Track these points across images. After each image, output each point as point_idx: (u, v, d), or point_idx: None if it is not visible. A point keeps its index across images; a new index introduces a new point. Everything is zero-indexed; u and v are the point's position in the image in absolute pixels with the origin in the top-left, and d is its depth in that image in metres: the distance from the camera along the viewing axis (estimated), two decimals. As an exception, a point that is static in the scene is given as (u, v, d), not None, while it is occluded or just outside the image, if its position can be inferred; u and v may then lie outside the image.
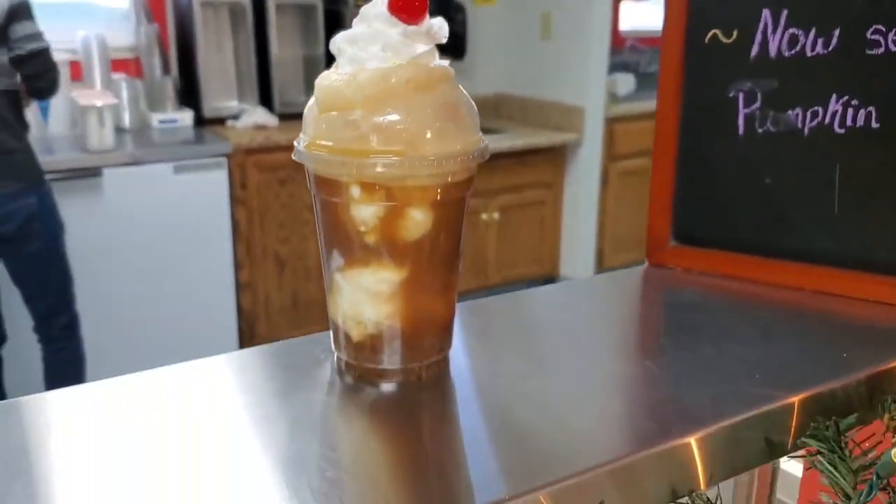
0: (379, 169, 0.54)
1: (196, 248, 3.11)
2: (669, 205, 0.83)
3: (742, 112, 0.78)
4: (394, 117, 0.54)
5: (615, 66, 4.12)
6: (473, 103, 0.59)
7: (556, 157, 4.06)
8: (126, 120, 3.32)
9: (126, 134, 3.27)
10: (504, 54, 4.33)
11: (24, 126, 2.46)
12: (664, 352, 0.66)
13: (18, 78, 2.41)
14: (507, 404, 0.57)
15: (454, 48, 4.08)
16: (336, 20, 3.63)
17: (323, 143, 0.55)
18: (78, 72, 3.33)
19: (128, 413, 0.56)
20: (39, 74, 2.44)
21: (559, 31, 4.01)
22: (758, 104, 0.77)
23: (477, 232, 3.91)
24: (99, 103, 2.96)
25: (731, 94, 0.78)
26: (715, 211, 0.81)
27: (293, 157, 0.56)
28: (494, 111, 4.41)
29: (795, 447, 0.59)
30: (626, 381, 0.61)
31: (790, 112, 0.75)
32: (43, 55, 2.42)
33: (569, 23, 3.96)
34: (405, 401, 0.59)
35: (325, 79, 0.57)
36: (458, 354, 0.64)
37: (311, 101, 0.57)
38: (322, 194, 0.57)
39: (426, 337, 0.60)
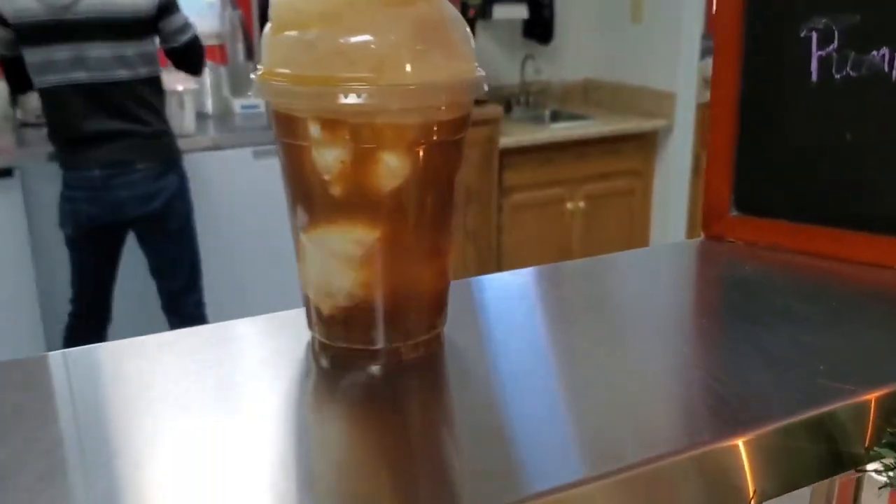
0: (341, 101, 0.44)
1: (276, 231, 3.08)
2: (730, 168, 0.70)
3: (816, 55, 0.65)
4: (361, 37, 0.44)
5: (708, 50, 3.91)
6: (465, 23, 0.49)
7: (645, 145, 3.89)
8: (208, 105, 3.33)
9: (208, 119, 3.27)
10: (593, 38, 4.18)
11: (164, 110, 2.55)
12: (710, 337, 0.54)
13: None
14: (509, 394, 0.47)
15: (541, 33, 3.96)
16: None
17: (279, 70, 0.46)
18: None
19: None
20: (193, 61, 2.60)
21: (650, 14, 3.84)
22: (835, 44, 0.64)
23: (562, 221, 3.79)
24: (180, 88, 2.96)
25: (802, 34, 0.65)
26: (783, 174, 0.69)
27: (250, 94, 0.47)
28: (583, 97, 4.27)
29: (868, 458, 0.47)
30: (660, 371, 0.50)
31: (875, 53, 0.62)
32: (195, 43, 2.56)
33: (660, 5, 3.78)
34: (387, 388, 0.49)
35: None
36: (459, 333, 0.54)
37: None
38: (280, 135, 0.48)
39: (411, 311, 0.51)
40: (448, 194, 0.50)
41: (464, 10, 3.48)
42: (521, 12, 3.86)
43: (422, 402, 0.48)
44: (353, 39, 0.44)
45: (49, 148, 2.55)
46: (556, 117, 3.98)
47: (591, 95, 4.25)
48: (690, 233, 3.96)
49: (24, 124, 2.92)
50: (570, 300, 0.61)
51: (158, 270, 2.59)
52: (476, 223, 3.57)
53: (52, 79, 2.31)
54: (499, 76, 4.01)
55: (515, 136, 3.57)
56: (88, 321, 2.57)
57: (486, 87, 0.49)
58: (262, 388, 0.48)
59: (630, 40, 3.98)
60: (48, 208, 2.62)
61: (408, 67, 0.45)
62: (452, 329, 0.54)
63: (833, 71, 0.64)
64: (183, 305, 2.64)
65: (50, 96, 2.35)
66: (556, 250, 3.83)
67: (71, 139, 2.37)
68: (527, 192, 3.69)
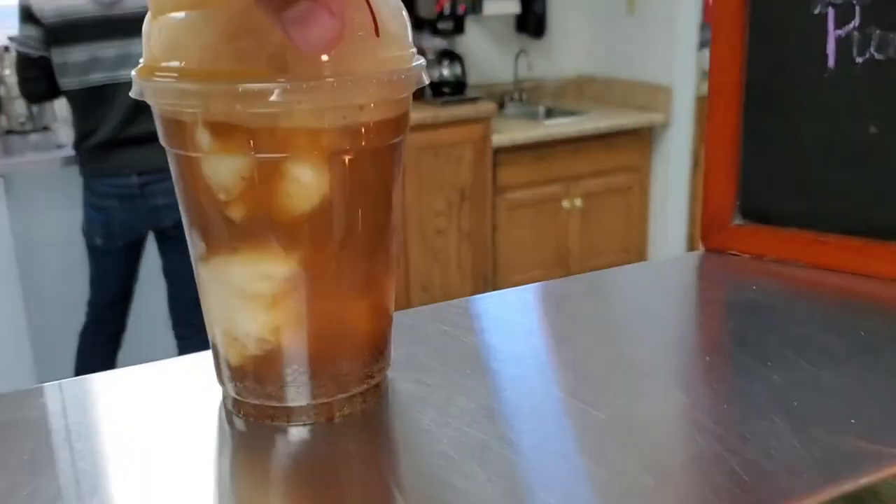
0: (232, 100, 0.34)
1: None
2: (732, 170, 0.60)
3: (833, 34, 0.55)
4: (257, 15, 0.34)
5: (706, 41, 3.81)
6: (399, 0, 0.39)
7: (642, 140, 3.80)
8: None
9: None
10: (586, 31, 4.08)
11: None
12: (709, 380, 0.44)
13: None
14: (468, 461, 0.37)
15: (534, 27, 3.86)
16: (408, 2, 3.45)
17: (161, 64, 0.36)
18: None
19: None
20: None
21: (645, 5, 3.74)
22: (856, 22, 0.54)
23: (559, 220, 3.69)
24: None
25: (816, 11, 0.56)
26: (795, 176, 0.59)
27: (130, 94, 0.37)
28: (577, 92, 4.17)
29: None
30: (652, 433, 0.40)
31: (904, 30, 0.52)
32: None
33: (656, -6, 3.68)
34: (314, 456, 0.40)
35: None
36: (411, 377, 0.44)
37: (148, 5, 0.38)
38: (167, 143, 0.38)
39: (340, 359, 0.41)
40: (383, 213, 0.40)
41: (454, 5, 3.38)
42: (513, 7, 3.76)
43: (359, 474, 0.38)
44: (250, 21, 0.34)
45: (36, 156, 2.47)
46: (550, 114, 3.88)
47: (585, 90, 4.15)
48: (692, 229, 3.86)
49: (10, 132, 2.82)
50: (549, 334, 0.51)
51: (179, 280, 2.49)
52: (470, 223, 3.47)
53: (96, 77, 2.22)
54: (491, 73, 3.91)
55: (509, 133, 3.47)
56: (104, 329, 2.50)
57: (426, 79, 0.39)
58: (161, 460, 0.38)
59: (625, 32, 3.88)
60: (34, 216, 2.54)
61: (322, 55, 0.35)
62: (403, 372, 0.44)
63: (854, 53, 0.54)
64: (197, 316, 2.54)
65: (89, 98, 2.24)
66: (553, 249, 3.74)
67: (107, 143, 2.26)
68: (522, 191, 3.60)
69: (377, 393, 0.42)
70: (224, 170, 0.36)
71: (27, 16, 2.22)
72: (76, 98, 2.28)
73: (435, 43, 3.51)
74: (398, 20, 0.38)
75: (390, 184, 0.40)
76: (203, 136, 0.36)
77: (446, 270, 3.48)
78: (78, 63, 2.22)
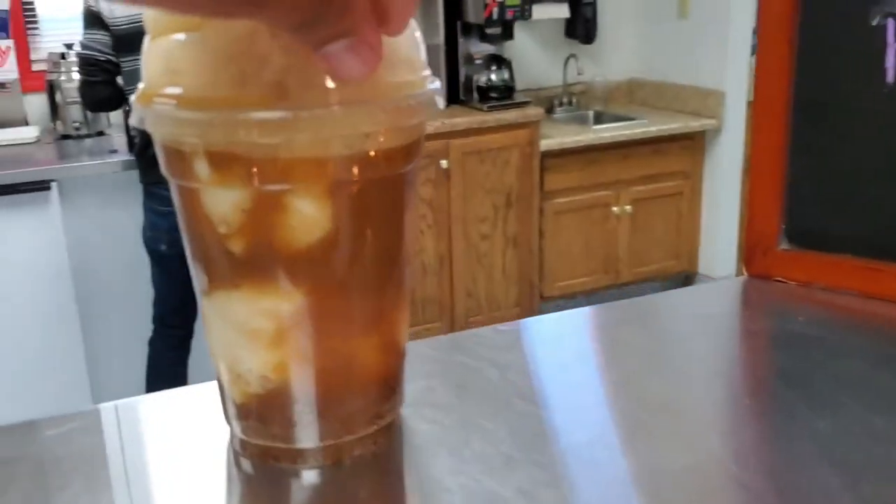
0: (231, 130, 0.32)
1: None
2: (778, 190, 0.57)
3: (893, 47, 0.51)
4: (258, 39, 0.32)
5: (761, 44, 3.72)
6: (412, 21, 0.36)
7: (694, 145, 3.73)
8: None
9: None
10: (637, 36, 4.02)
11: None
12: (748, 424, 0.41)
13: None
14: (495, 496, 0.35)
15: (584, 32, 3.81)
16: (456, 7, 3.43)
17: (160, 90, 0.34)
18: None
19: None
20: None
21: (697, 8, 3.67)
22: (915, 34, 0.50)
23: (607, 226, 3.64)
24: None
25: (874, 22, 0.52)
26: (847, 198, 0.55)
27: (130, 122, 0.35)
28: (627, 96, 4.11)
29: None
30: (674, 477, 0.37)
31: (968, 43, 0.48)
32: None
33: (708, -2, 3.61)
34: (319, 501, 0.37)
35: None
36: (426, 414, 0.42)
37: (147, 27, 0.36)
38: (167, 172, 0.36)
39: (348, 399, 0.38)
40: (393, 245, 0.38)
41: (502, 10, 3.35)
42: (563, 11, 3.72)
43: (366, 519, 0.36)
44: (250, 44, 0.32)
45: (90, 161, 2.49)
46: (600, 118, 3.83)
47: (635, 95, 4.09)
48: (744, 235, 3.77)
49: (65, 136, 2.87)
50: (577, 369, 0.48)
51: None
52: (516, 228, 3.44)
53: None
54: (540, 77, 3.87)
55: (558, 137, 3.43)
56: (173, 335, 2.52)
57: (441, 104, 0.36)
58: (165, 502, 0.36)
59: (676, 37, 3.81)
60: (87, 220, 2.57)
61: (327, 80, 0.32)
62: (418, 409, 0.42)
63: (911, 68, 0.50)
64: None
65: None
66: (601, 255, 3.68)
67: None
68: (570, 196, 3.56)
69: (389, 433, 0.40)
70: (224, 201, 0.34)
71: (95, 20, 2.22)
72: None
73: (483, 48, 3.49)
74: (410, 42, 0.36)
75: (401, 213, 0.37)
76: (202, 167, 0.34)
77: (491, 276, 3.45)
78: None
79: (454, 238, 3.32)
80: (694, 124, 3.64)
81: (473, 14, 3.39)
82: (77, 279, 2.60)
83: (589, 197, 3.59)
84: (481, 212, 3.35)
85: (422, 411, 0.42)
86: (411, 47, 0.36)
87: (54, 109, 2.87)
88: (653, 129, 3.57)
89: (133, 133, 2.49)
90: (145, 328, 2.54)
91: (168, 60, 0.34)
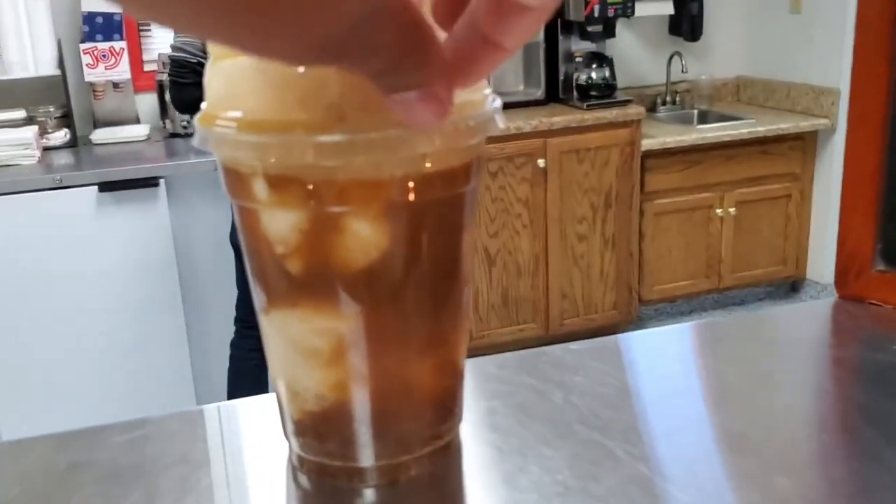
0: (288, 153, 0.32)
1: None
2: (873, 206, 0.54)
3: None
4: (305, 66, 0.32)
5: (880, 40, 3.54)
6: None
7: (804, 146, 3.58)
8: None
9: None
10: (746, 32, 3.90)
11: None
12: (822, 464, 0.39)
13: None
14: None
15: (689, 29, 3.72)
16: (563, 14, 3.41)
17: (222, 112, 0.35)
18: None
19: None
20: None
21: (811, 3, 3.52)
22: None
23: (710, 228, 3.54)
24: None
25: (978, 31, 0.48)
26: (948, 219, 0.51)
27: (193, 143, 0.36)
28: (734, 95, 3.99)
29: None
30: (744, 511, 0.35)
31: None
32: None
33: (823, -8, 3.46)
34: (374, 517, 0.37)
35: None
36: (484, 436, 0.41)
37: (211, 49, 0.37)
38: (229, 192, 0.37)
39: (402, 419, 0.38)
40: (451, 265, 0.37)
41: (603, 7, 3.30)
42: (667, 8, 3.63)
43: (420, 541, 0.36)
44: (307, 69, 0.32)
45: (196, 159, 2.57)
46: (704, 118, 3.73)
47: (743, 94, 3.97)
48: (855, 242, 3.60)
49: (173, 135, 2.98)
50: (645, 395, 0.46)
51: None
52: (615, 229, 3.39)
53: None
54: (643, 76, 3.80)
55: (660, 137, 3.36)
56: (255, 337, 2.50)
57: (501, 124, 0.36)
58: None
59: (788, 32, 3.67)
60: (193, 217, 2.67)
61: (380, 104, 0.32)
62: (478, 430, 0.41)
63: None
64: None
65: None
66: (703, 259, 3.59)
67: None
68: (671, 197, 3.48)
69: (446, 454, 0.40)
70: (281, 222, 0.35)
71: None
72: None
73: (583, 46, 3.45)
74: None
75: (460, 234, 0.37)
76: (260, 188, 0.34)
77: (588, 278, 3.41)
78: None
79: (550, 238, 3.29)
80: (805, 124, 3.50)
81: (574, 12, 3.35)
82: (182, 274, 2.69)
83: (691, 198, 3.50)
84: (579, 212, 3.31)
85: (482, 433, 0.42)
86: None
87: (163, 108, 2.99)
88: (760, 129, 3.46)
89: None
90: (245, 324, 2.59)
91: (228, 83, 0.34)
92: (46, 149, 2.85)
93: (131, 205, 2.56)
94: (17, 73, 2.82)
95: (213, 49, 0.35)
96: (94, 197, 2.55)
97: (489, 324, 3.29)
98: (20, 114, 2.86)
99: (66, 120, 2.95)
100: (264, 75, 0.33)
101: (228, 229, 2.51)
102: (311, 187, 0.33)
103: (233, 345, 2.55)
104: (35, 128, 2.79)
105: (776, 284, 3.77)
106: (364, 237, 0.34)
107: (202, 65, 2.24)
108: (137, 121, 3.05)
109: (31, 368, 2.60)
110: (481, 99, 0.35)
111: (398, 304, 0.36)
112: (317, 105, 0.32)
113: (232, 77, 0.34)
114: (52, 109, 2.92)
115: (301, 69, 0.32)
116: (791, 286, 3.79)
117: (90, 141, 2.93)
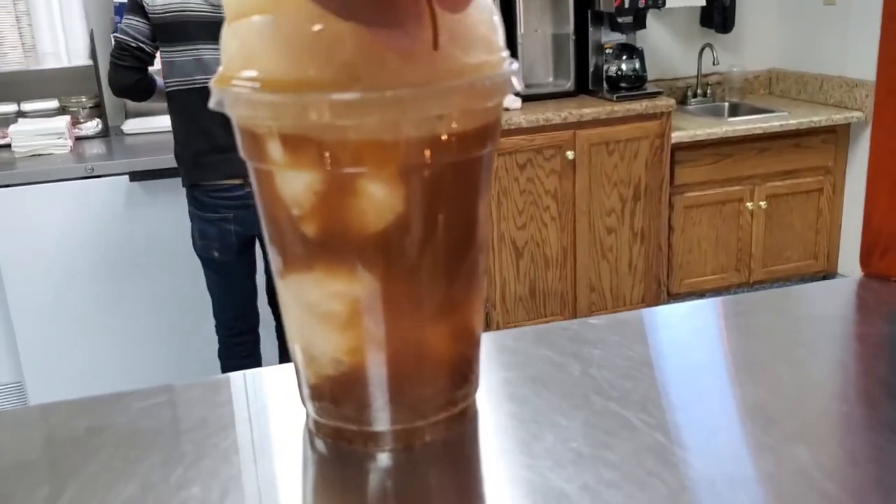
0: (301, 112, 0.32)
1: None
2: (901, 184, 0.53)
3: None
4: (320, 25, 0.32)
5: (916, 31, 3.48)
6: (490, 1, 0.36)
7: (837, 139, 3.54)
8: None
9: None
10: (779, 23, 3.85)
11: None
12: (841, 435, 0.38)
13: None
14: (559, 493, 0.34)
15: (721, 21, 3.68)
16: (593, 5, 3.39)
17: (236, 73, 0.35)
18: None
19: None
20: None
21: (847, -6, 3.47)
22: None
23: (741, 222, 3.51)
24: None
25: None
26: (978, 195, 0.50)
27: (209, 105, 0.36)
28: (766, 88, 3.94)
29: None
30: (751, 486, 0.35)
31: None
32: None
33: (859, -18, 3.41)
34: (393, 484, 0.37)
35: None
36: (500, 405, 0.41)
37: (226, 9, 0.37)
38: (245, 154, 0.37)
39: (419, 384, 0.38)
40: (467, 231, 0.37)
41: (634, -1, 3.28)
42: (698, 0, 3.60)
43: (438, 505, 0.36)
44: (321, 28, 0.32)
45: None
46: (735, 110, 3.69)
47: (775, 86, 3.92)
48: (888, 237, 3.55)
49: None
50: (664, 367, 0.46)
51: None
52: (644, 222, 3.36)
53: (201, 79, 2.17)
54: (673, 68, 3.77)
55: (690, 130, 3.33)
56: (241, 342, 2.47)
57: (518, 86, 0.35)
58: (240, 479, 0.37)
59: (822, 24, 3.62)
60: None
61: (396, 63, 0.32)
62: (494, 399, 0.41)
63: None
64: None
65: (195, 100, 2.15)
66: (733, 252, 3.56)
67: (213, 150, 2.17)
68: (701, 190, 3.45)
69: (461, 421, 0.40)
70: (297, 183, 0.35)
71: (137, 7, 2.20)
72: (182, 100, 2.20)
73: (614, 37, 3.42)
74: (487, 22, 0.35)
75: (475, 199, 0.37)
76: (275, 149, 0.34)
77: (617, 270, 3.39)
78: (185, 62, 2.18)
79: (578, 231, 3.28)
80: (837, 117, 3.45)
81: (604, 3, 3.33)
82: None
83: (722, 192, 3.47)
84: (608, 204, 3.30)
85: (498, 402, 0.42)
86: (488, 27, 0.35)
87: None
88: (792, 121, 3.42)
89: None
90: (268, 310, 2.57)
91: (243, 44, 0.34)
92: (78, 138, 2.89)
93: (161, 194, 2.58)
94: (51, 64, 2.86)
95: (227, 11, 0.35)
96: (124, 186, 2.58)
97: (516, 315, 3.29)
98: (53, 104, 2.89)
99: (98, 110, 2.99)
100: (279, 35, 0.33)
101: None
102: (325, 148, 0.33)
103: (219, 356, 2.49)
104: (67, 118, 2.83)
105: (807, 279, 3.72)
106: (379, 200, 0.34)
107: (142, 50, 2.18)
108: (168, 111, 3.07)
109: (62, 356, 2.64)
110: (498, 60, 0.35)
111: (413, 269, 0.36)
112: (331, 64, 0.32)
113: (246, 38, 0.34)
114: (84, 100, 2.96)
115: (316, 27, 0.32)
116: (822, 280, 3.75)
117: (121, 131, 2.97)
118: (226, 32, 0.35)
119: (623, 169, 3.28)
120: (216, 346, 2.52)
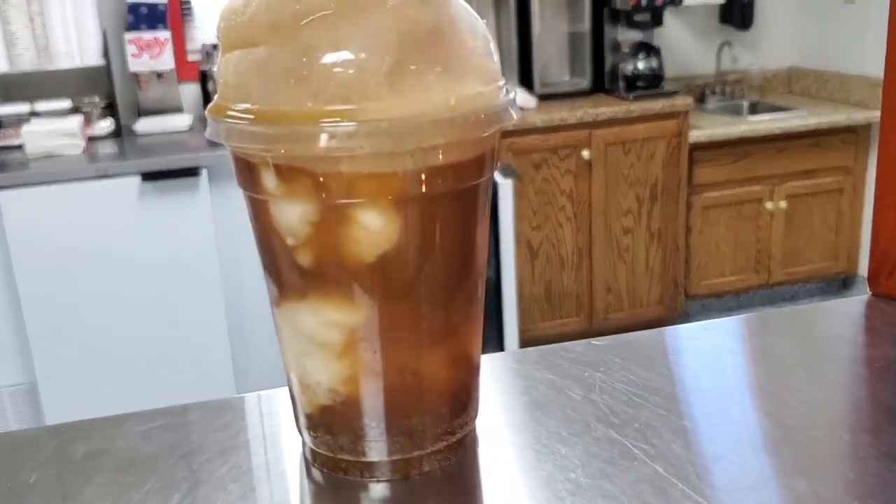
0: (293, 143, 0.32)
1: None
2: (911, 203, 0.52)
3: None
4: (321, 53, 0.32)
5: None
6: (484, 27, 0.35)
7: (858, 139, 3.50)
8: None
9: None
10: (799, 21, 3.81)
11: None
12: (842, 465, 0.38)
13: None
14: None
15: (740, 18, 3.65)
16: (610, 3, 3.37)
17: (230, 103, 0.35)
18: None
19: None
20: None
21: (868, -9, 3.44)
22: None
23: (760, 223, 3.48)
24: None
25: None
26: None
27: (206, 135, 0.36)
28: (786, 86, 3.91)
29: None
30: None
31: None
32: None
33: (880, -20, 3.37)
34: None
35: None
36: (500, 433, 0.41)
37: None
38: (239, 183, 0.37)
39: (415, 414, 0.38)
40: (463, 258, 0.37)
41: (652, -4, 3.26)
42: (717, -4, 3.58)
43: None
44: (314, 59, 0.32)
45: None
46: (755, 109, 3.66)
47: (795, 85, 3.89)
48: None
49: None
50: (667, 393, 0.45)
51: None
52: (661, 222, 3.34)
53: None
54: (691, 66, 3.74)
55: (708, 129, 3.31)
56: None
57: (515, 114, 0.35)
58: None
59: (843, 22, 3.59)
60: (234, 207, 2.69)
61: (390, 94, 0.32)
62: (494, 426, 0.41)
63: None
64: None
65: None
66: (752, 254, 3.53)
67: None
68: (720, 190, 3.43)
69: (459, 450, 0.39)
70: (291, 214, 0.35)
71: None
72: None
73: (630, 35, 3.40)
74: (482, 50, 0.35)
75: (472, 227, 0.37)
76: (270, 179, 0.34)
77: (634, 272, 3.37)
78: None
79: (595, 231, 3.26)
80: (858, 116, 3.42)
81: (621, 0, 3.31)
82: (223, 263, 2.72)
83: (740, 192, 3.45)
84: (624, 205, 3.28)
85: (497, 429, 0.41)
86: (484, 57, 0.35)
87: (206, 98, 3.02)
88: (812, 121, 3.38)
89: None
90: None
91: (238, 75, 0.34)
92: (91, 138, 2.90)
93: (174, 194, 2.59)
94: (63, 64, 2.87)
95: (222, 41, 0.35)
96: (136, 186, 2.59)
97: (532, 317, 3.28)
98: (66, 104, 2.91)
99: (110, 110, 3.00)
100: (270, 67, 0.33)
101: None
102: (320, 179, 0.33)
103: None
104: (80, 118, 2.84)
105: (827, 280, 3.69)
106: (374, 230, 0.34)
107: None
108: (181, 111, 3.09)
109: (75, 356, 2.66)
110: (494, 91, 0.35)
111: (410, 298, 0.36)
112: (322, 96, 0.32)
113: (242, 68, 0.34)
114: (96, 99, 2.97)
115: (310, 59, 0.32)
116: (842, 282, 3.71)
117: (134, 131, 2.98)
118: (221, 62, 0.35)
119: (640, 169, 3.26)
120: (230, 345, 2.52)
